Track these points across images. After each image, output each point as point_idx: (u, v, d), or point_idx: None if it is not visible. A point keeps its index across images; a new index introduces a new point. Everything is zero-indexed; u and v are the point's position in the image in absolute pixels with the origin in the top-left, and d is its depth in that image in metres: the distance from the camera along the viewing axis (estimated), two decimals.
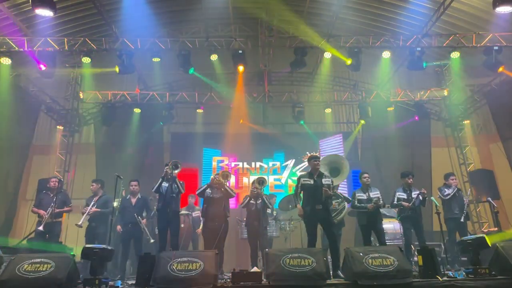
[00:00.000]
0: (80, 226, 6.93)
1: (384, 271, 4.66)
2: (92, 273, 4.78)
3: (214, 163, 12.10)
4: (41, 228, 6.95)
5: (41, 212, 7.04)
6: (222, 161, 12.14)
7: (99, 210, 7.09)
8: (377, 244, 6.70)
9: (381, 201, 6.65)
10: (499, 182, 9.87)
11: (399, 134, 11.49)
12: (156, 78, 11.27)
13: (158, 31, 10.00)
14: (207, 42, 9.73)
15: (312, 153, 6.31)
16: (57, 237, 7.39)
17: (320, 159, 6.41)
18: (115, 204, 6.68)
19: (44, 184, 8.46)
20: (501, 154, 10.65)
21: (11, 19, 9.34)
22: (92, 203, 7.07)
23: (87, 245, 5.31)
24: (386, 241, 6.80)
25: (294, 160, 12.02)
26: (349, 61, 9.48)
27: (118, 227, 7.13)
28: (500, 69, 9.21)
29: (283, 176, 12.09)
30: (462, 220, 7.09)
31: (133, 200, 7.11)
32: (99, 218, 7.13)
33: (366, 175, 6.90)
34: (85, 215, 6.95)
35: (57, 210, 7.16)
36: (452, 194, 7.30)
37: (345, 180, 9.84)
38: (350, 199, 7.10)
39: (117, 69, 9.35)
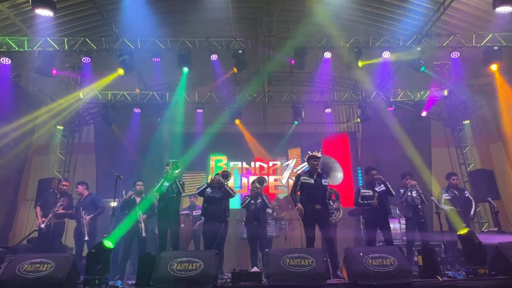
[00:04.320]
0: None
1: (384, 271, 4.66)
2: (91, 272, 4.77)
3: (212, 163, 12.07)
4: (42, 226, 7.03)
5: (40, 220, 7.18)
6: (221, 161, 12.13)
7: (91, 215, 7.25)
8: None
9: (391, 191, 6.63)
10: (499, 182, 9.85)
11: (399, 134, 11.48)
12: (156, 78, 11.27)
13: (158, 31, 9.99)
14: (207, 42, 9.73)
15: (314, 153, 6.30)
16: (60, 238, 7.41)
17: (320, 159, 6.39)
18: (114, 204, 6.67)
19: (46, 183, 8.50)
20: (501, 154, 10.65)
21: (11, 19, 9.35)
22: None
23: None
24: None
25: (295, 160, 11.98)
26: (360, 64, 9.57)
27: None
28: (494, 67, 9.16)
29: (284, 176, 12.05)
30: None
31: (138, 199, 7.11)
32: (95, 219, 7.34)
33: (374, 171, 6.76)
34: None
35: (60, 212, 7.19)
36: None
37: None
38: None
39: (120, 71, 9.37)
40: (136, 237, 6.87)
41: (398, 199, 7.34)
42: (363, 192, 6.69)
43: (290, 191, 6.45)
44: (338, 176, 7.11)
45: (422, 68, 9.58)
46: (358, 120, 11.96)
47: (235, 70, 9.76)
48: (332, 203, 7.54)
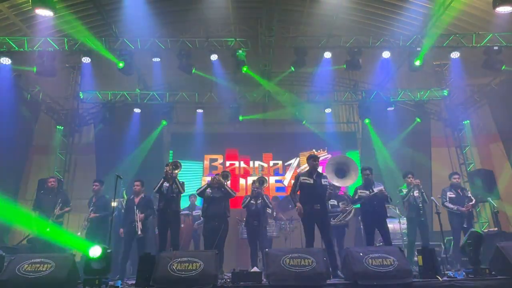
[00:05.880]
0: None
1: (384, 271, 4.66)
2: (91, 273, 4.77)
3: (206, 162, 11.99)
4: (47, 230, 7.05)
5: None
6: (216, 160, 12.04)
7: (98, 215, 7.23)
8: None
9: (386, 193, 6.56)
10: (499, 182, 9.86)
11: (399, 134, 11.50)
12: (156, 78, 11.27)
13: (158, 31, 9.98)
14: (207, 42, 9.73)
15: (319, 151, 6.33)
16: None
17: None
18: (114, 204, 6.67)
19: (44, 184, 8.49)
20: (501, 154, 10.65)
21: (11, 19, 9.34)
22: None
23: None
24: None
25: (298, 159, 11.91)
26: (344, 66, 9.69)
27: (121, 230, 7.16)
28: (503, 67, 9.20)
29: (286, 177, 11.96)
30: (465, 225, 7.14)
31: (136, 200, 7.09)
32: (100, 219, 7.28)
33: (367, 171, 6.75)
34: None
35: (58, 211, 7.19)
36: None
37: None
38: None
39: (120, 64, 9.34)
40: (134, 237, 6.85)
41: (400, 198, 7.34)
42: (360, 192, 6.68)
43: (290, 191, 6.46)
44: (348, 182, 7.14)
45: (420, 61, 9.47)
46: (368, 121, 11.80)
47: (243, 69, 9.71)
48: (337, 204, 7.61)
